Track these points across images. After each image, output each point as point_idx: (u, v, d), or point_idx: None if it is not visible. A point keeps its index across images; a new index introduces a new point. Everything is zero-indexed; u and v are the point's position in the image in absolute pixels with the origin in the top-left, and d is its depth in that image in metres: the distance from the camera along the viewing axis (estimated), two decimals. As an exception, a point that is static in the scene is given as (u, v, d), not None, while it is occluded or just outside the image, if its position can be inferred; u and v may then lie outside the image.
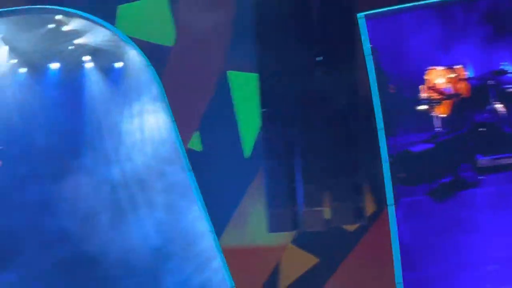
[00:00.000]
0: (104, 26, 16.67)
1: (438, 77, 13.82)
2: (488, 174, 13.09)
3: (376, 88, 12.62)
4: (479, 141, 13.33)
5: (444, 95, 13.56)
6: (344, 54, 15.07)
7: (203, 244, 15.28)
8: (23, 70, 18.05)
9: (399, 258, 12.38)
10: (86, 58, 17.68)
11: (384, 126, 12.72)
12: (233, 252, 14.67)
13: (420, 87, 13.78)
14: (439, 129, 13.65)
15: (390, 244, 12.40)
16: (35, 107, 17.85)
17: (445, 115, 13.62)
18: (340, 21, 15.16)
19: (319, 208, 15.09)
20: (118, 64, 17.51)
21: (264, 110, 15.33)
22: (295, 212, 15.11)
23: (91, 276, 16.09)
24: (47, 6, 16.41)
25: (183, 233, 15.88)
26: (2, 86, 17.41)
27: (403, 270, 12.20)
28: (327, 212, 15.14)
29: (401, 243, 12.47)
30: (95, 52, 17.43)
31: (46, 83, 18.04)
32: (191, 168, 15.00)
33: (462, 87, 13.71)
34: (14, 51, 17.67)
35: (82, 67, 17.88)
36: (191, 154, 15.26)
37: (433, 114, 13.50)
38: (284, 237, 15.08)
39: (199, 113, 15.43)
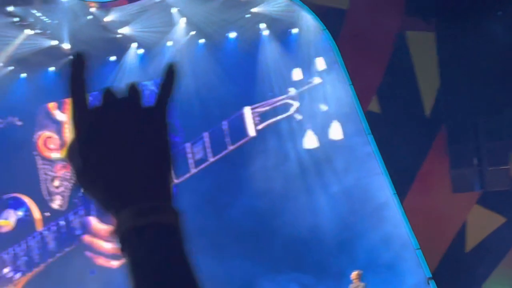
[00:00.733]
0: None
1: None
2: None
3: None
4: None
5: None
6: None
7: (388, 210, 15.20)
8: (201, 41, 18.58)
9: None
10: (262, 26, 17.95)
11: None
12: (417, 214, 14.46)
13: None
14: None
15: None
16: (214, 77, 18.29)
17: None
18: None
19: (504, 167, 14.55)
20: (294, 30, 17.64)
21: (443, 69, 14.88)
22: (480, 171, 14.65)
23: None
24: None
25: (368, 201, 15.96)
26: (181, 57, 17.89)
27: None
28: (512, 170, 14.53)
29: None
30: (270, 19, 17.64)
31: (224, 53, 18.42)
32: (370, 131, 14.91)
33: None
34: (191, 23, 18.24)
35: (259, 35, 18.16)
36: (370, 116, 15.12)
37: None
38: (469, 198, 14.64)
39: (377, 75, 15.19)
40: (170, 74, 1.09)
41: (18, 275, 19.65)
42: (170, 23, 18.32)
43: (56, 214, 19.72)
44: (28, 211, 19.89)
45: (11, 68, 19.86)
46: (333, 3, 15.61)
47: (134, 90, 1.07)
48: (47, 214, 19.63)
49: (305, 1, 15.69)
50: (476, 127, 14.67)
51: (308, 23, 17.05)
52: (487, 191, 14.57)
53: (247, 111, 18.01)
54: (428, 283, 14.25)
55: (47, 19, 18.21)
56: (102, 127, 1.02)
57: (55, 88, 18.71)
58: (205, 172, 18.17)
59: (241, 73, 18.01)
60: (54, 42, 18.77)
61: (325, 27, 15.58)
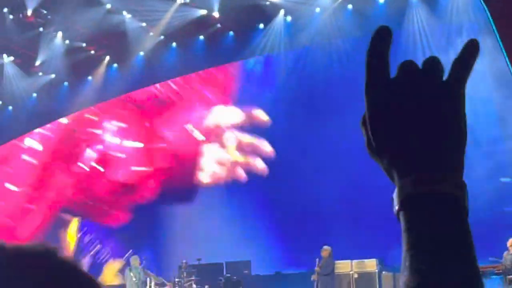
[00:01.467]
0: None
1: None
2: None
3: None
4: None
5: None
6: None
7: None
8: (349, 6, 18.52)
9: None
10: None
11: None
12: None
13: None
14: None
15: None
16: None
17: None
18: None
19: None
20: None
21: None
22: None
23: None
24: None
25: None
26: (330, 23, 19.05)
27: None
28: None
29: None
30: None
31: (372, 19, 18.15)
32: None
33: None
34: None
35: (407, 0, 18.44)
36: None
37: None
38: None
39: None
40: (471, 49, 1.10)
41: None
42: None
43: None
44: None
45: (162, 38, 19.82)
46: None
47: (432, 64, 1.09)
48: None
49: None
50: None
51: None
52: None
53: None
54: None
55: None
56: (397, 97, 1.07)
57: (204, 57, 18.79)
58: None
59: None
60: (203, 12, 18.38)
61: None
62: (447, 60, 1.10)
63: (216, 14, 19.23)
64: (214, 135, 22.01)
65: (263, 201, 20.34)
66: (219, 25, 19.81)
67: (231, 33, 20.11)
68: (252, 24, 19.72)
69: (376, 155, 1.10)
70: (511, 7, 13.15)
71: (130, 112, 23.23)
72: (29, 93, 23.18)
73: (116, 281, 18.83)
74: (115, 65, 22.61)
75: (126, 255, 18.74)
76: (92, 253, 19.61)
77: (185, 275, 18.16)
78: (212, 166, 21.95)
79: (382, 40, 1.10)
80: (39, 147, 23.49)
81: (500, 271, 14.80)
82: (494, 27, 13.84)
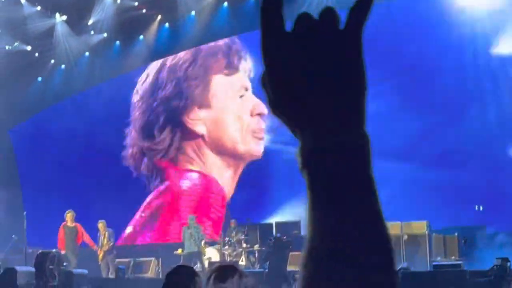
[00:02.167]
0: None
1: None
2: None
3: None
4: None
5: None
6: None
7: None
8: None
9: None
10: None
11: None
12: None
13: None
14: None
15: None
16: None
17: None
18: None
19: None
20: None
21: None
22: None
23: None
24: None
25: None
26: None
27: None
28: None
29: None
30: None
31: None
32: None
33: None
34: None
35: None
36: None
37: None
38: None
39: None
40: None
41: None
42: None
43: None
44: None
45: None
46: None
47: (329, 14, 1.06)
48: None
49: None
50: None
51: None
52: None
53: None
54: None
55: None
56: (295, 51, 1.04)
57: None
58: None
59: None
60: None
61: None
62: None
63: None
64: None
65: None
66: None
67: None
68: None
69: (278, 113, 1.07)
70: None
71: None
72: (82, 52, 23.44)
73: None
74: (167, 24, 22.70)
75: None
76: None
77: (234, 234, 18.37)
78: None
79: None
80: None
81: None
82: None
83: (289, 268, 15.89)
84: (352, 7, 1.07)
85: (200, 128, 21.98)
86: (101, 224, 18.54)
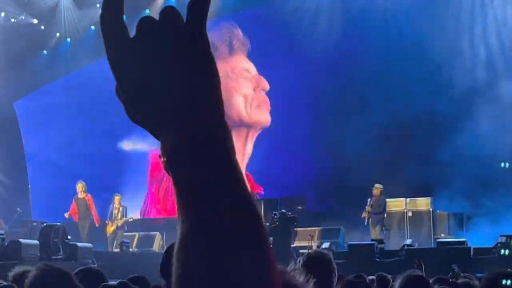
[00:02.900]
0: None
1: None
2: None
3: None
4: None
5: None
6: None
7: None
8: None
9: None
10: None
11: None
12: None
13: None
14: None
15: None
16: None
17: None
18: None
19: None
20: None
21: None
22: None
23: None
24: None
25: None
26: None
27: None
28: None
29: None
30: None
31: None
32: None
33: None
34: None
35: None
36: None
37: None
38: None
39: None
40: None
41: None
42: None
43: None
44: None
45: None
46: None
47: (168, 12, 1.07)
48: None
49: None
50: None
51: None
52: None
53: None
54: None
55: None
56: (140, 55, 1.03)
57: None
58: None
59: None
60: None
61: None
62: None
63: None
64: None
65: (311, 140, 20.35)
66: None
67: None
68: None
69: (138, 122, 1.07)
70: None
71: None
72: (87, 26, 23.37)
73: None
74: (173, -1, 22.61)
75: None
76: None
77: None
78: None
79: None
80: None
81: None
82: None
83: (293, 243, 15.95)
84: (191, 1, 1.07)
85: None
86: (117, 198, 18.53)
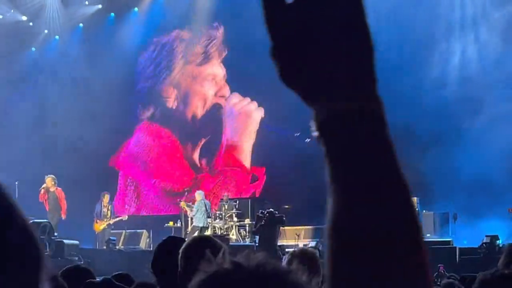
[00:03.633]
0: None
1: None
2: None
3: None
4: None
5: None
6: None
7: None
8: None
9: None
10: None
11: None
12: None
13: None
14: None
15: None
16: None
17: None
18: None
19: None
20: None
21: None
22: None
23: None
24: None
25: None
26: None
27: None
28: None
29: None
30: None
31: None
32: None
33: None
34: None
35: None
36: None
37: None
38: None
39: None
40: None
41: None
42: None
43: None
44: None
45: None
46: None
47: None
48: None
49: None
50: None
51: None
52: None
53: None
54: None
55: None
56: (297, 19, 1.04)
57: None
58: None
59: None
60: None
61: None
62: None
63: None
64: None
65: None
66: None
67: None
68: None
69: (287, 83, 1.06)
70: None
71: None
72: (76, 23, 23.30)
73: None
74: (161, -3, 22.61)
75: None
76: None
77: (226, 207, 18.40)
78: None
79: None
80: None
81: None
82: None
83: (280, 242, 15.98)
84: None
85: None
86: (106, 196, 18.47)
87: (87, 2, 22.94)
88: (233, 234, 17.99)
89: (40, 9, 22.92)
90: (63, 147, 21.85)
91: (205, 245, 3.32)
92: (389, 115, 1.08)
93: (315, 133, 1.04)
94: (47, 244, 14.49)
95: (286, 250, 14.35)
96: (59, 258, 13.88)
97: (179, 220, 19.22)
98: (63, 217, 17.73)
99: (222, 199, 19.05)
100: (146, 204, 22.70)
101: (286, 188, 19.72)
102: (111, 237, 17.68)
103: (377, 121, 1.03)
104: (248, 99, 22.11)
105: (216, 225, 18.18)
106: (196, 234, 17.00)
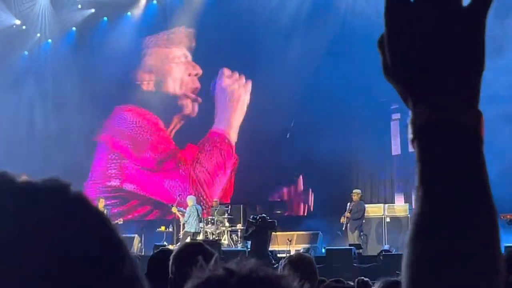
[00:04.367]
0: None
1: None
2: None
3: None
4: None
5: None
6: None
7: None
8: None
9: None
10: None
11: None
12: None
13: None
14: None
15: None
16: None
17: None
18: None
19: None
20: None
21: None
22: None
23: None
24: None
25: None
26: None
27: None
28: None
29: None
30: None
31: None
32: None
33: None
34: None
35: None
36: None
37: None
38: None
39: None
40: None
41: None
42: None
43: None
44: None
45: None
46: None
47: None
48: None
49: None
50: None
51: None
52: None
53: None
54: None
55: None
56: (419, 20, 1.04)
57: None
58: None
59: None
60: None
61: None
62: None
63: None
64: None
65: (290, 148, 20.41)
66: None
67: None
68: None
69: (392, 78, 1.07)
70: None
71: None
72: (69, 27, 23.28)
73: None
74: (154, 1, 22.59)
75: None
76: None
77: (217, 212, 18.38)
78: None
79: None
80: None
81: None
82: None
83: (271, 247, 15.97)
84: None
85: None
86: (102, 201, 18.42)
87: (79, 6, 22.90)
88: (225, 239, 17.97)
89: (33, 12, 22.85)
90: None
91: (196, 251, 3.31)
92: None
93: (410, 135, 1.05)
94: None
95: (278, 255, 14.32)
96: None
97: (171, 225, 19.20)
98: None
99: (213, 204, 19.04)
100: (131, 177, 22.84)
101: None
102: (103, 242, 17.56)
103: (474, 138, 1.03)
104: (236, 74, 22.21)
105: (208, 230, 18.15)
106: (188, 239, 17.00)
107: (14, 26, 23.10)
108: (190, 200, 18.23)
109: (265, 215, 16.12)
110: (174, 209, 18.60)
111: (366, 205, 17.14)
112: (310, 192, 20.70)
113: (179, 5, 22.35)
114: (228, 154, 22.12)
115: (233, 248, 17.36)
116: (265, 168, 20.21)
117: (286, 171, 20.44)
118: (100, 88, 22.10)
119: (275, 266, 8.39)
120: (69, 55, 23.00)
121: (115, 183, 22.83)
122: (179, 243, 16.24)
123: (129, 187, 22.72)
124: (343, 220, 16.75)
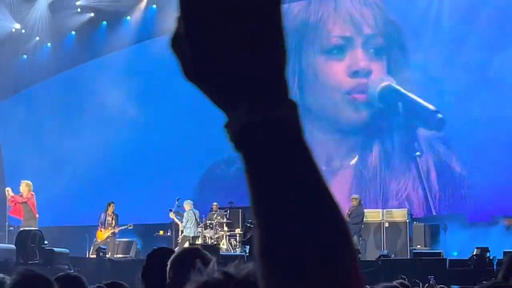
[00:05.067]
0: None
1: None
2: None
3: None
4: None
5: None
6: None
7: None
8: None
9: None
10: None
11: None
12: None
13: None
14: None
15: None
16: None
17: None
18: None
19: None
20: None
21: None
22: None
23: None
24: None
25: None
26: None
27: None
28: None
29: None
30: None
31: None
32: None
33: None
34: None
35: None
36: None
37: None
38: None
39: None
40: None
41: None
42: None
43: None
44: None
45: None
46: None
47: None
48: None
49: None
50: None
51: None
52: None
53: None
54: None
55: None
56: (218, 15, 0.94)
57: None
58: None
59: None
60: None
61: None
62: None
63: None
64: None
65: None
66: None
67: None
68: None
69: (196, 81, 0.97)
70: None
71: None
72: (68, 31, 23.28)
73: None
74: (154, 6, 22.60)
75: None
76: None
77: (215, 217, 18.37)
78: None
79: None
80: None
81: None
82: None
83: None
84: None
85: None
86: (112, 205, 18.28)
87: (79, 10, 22.90)
88: (223, 244, 17.95)
89: (32, 16, 22.85)
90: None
91: (194, 256, 3.31)
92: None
93: (231, 142, 0.97)
94: (37, 252, 14.40)
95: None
96: (49, 267, 13.79)
97: (169, 229, 19.19)
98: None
99: (212, 208, 19.02)
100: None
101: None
102: (102, 246, 17.57)
103: (296, 132, 0.96)
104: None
105: (206, 234, 18.14)
106: (186, 244, 17.00)
107: (14, 29, 23.09)
108: (188, 204, 18.22)
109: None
110: (171, 215, 18.59)
111: (365, 210, 17.13)
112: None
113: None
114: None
115: (232, 252, 17.34)
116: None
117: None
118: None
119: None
120: (68, 58, 23.01)
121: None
122: (177, 248, 16.23)
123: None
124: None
